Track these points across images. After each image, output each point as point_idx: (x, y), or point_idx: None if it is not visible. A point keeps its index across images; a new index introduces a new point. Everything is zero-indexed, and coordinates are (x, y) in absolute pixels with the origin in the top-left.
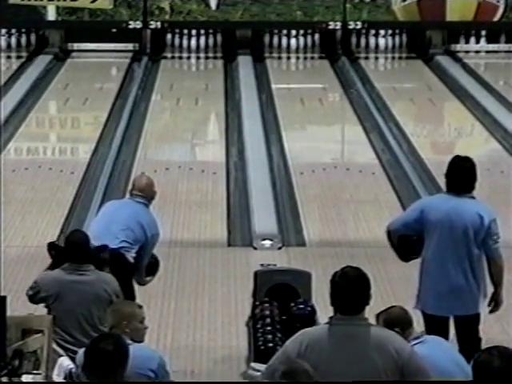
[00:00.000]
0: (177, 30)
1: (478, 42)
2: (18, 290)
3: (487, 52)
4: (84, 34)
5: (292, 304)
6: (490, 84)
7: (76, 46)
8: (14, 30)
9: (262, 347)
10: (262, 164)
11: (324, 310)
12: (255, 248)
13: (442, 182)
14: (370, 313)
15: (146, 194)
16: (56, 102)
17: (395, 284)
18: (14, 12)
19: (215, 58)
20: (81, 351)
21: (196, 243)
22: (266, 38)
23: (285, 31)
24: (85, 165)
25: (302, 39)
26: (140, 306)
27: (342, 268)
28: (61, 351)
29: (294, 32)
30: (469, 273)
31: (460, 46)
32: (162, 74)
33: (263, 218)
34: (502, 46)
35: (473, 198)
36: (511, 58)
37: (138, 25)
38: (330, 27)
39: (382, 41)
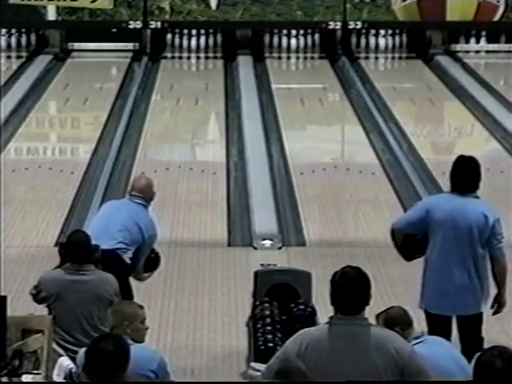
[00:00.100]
0: (177, 30)
1: (478, 42)
2: (18, 290)
3: (487, 52)
4: (84, 34)
5: (292, 305)
6: (490, 84)
7: (76, 45)
8: (14, 30)
9: (262, 347)
10: (262, 164)
11: (324, 310)
12: (255, 248)
13: (442, 182)
14: (370, 313)
15: (145, 195)
16: (56, 102)
17: (395, 284)
18: (13, 12)
19: (215, 57)
20: (81, 351)
21: (196, 243)
22: (266, 38)
23: (285, 31)
24: (85, 165)
25: (302, 39)
26: (141, 307)
27: (342, 268)
28: (61, 351)
29: (294, 32)
30: (473, 272)
31: (460, 46)
32: (162, 74)
33: (263, 218)
34: (502, 46)
35: (477, 197)
36: (511, 58)
37: (138, 25)
38: (330, 27)
39: (382, 41)
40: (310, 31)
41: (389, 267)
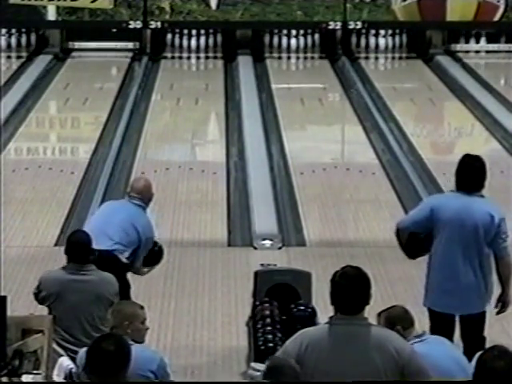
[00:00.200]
0: (177, 30)
1: (477, 42)
2: (18, 290)
3: (487, 52)
4: (84, 34)
5: (292, 305)
6: (490, 84)
7: (77, 44)
8: (14, 30)
9: (262, 347)
10: (262, 164)
11: (324, 310)
12: (255, 248)
13: (442, 182)
14: (370, 313)
15: (144, 196)
16: (56, 102)
17: (395, 284)
18: (13, 12)
19: (215, 57)
20: (82, 351)
21: (196, 243)
22: (266, 38)
23: (285, 31)
24: (85, 165)
25: (302, 39)
26: (141, 307)
27: (342, 267)
28: (61, 351)
29: (294, 32)
30: (478, 271)
31: (460, 46)
32: (162, 73)
33: (263, 218)
34: (502, 46)
35: (482, 196)
36: (511, 58)
37: (138, 25)
38: (330, 27)
39: (382, 41)
40: (310, 31)
41: (389, 267)
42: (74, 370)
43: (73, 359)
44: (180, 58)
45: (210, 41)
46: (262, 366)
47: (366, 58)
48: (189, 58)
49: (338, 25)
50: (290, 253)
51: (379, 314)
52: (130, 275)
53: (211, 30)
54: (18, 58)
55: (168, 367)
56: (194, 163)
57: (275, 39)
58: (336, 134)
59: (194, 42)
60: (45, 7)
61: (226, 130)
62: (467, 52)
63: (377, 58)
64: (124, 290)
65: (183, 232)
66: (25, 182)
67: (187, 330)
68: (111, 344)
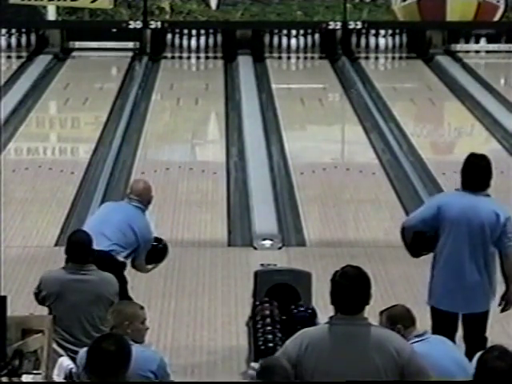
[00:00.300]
0: (177, 30)
1: (477, 41)
2: (18, 290)
3: (487, 52)
4: (84, 34)
5: (293, 307)
6: (490, 84)
7: (77, 44)
8: (14, 30)
9: (262, 347)
10: (262, 164)
11: (324, 310)
12: (255, 248)
13: (442, 182)
14: (370, 313)
15: (143, 199)
16: (56, 102)
17: (395, 284)
18: (13, 12)
19: (215, 58)
20: (82, 351)
21: (196, 243)
22: (266, 38)
23: (285, 31)
24: (85, 165)
25: (302, 39)
26: (142, 307)
27: (343, 267)
28: (61, 351)
29: (294, 32)
30: (483, 270)
31: (460, 46)
32: (162, 73)
33: (263, 218)
34: (502, 46)
35: (488, 195)
36: (511, 58)
37: (138, 25)
38: (330, 27)
39: (382, 41)
40: (310, 31)
41: (389, 267)
42: (74, 370)
43: (73, 359)
44: (180, 57)
45: (210, 41)
46: None
47: (366, 58)
48: (189, 57)
49: (338, 25)
50: (290, 253)
51: (381, 313)
52: (133, 275)
53: (211, 30)
54: (18, 57)
55: (168, 367)
56: (194, 163)
57: (275, 39)
58: (336, 134)
59: (193, 42)
60: (45, 7)
61: (226, 130)
62: (467, 52)
63: (377, 58)
64: (121, 285)
65: (183, 232)
66: (25, 182)
67: (187, 330)
68: (111, 344)
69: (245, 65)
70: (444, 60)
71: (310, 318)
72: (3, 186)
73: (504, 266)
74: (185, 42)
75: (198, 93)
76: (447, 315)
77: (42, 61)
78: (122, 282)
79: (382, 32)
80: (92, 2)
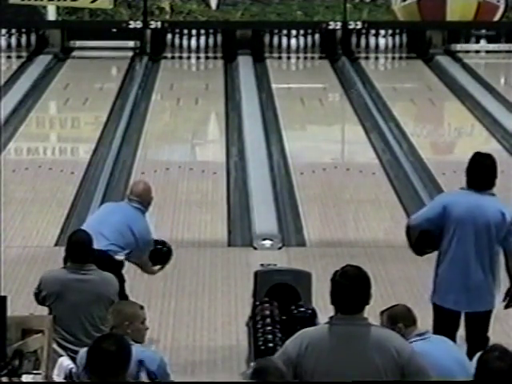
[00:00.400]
0: (177, 30)
1: (477, 42)
2: (18, 290)
3: (487, 52)
4: (84, 33)
5: (293, 307)
6: (490, 84)
7: (78, 43)
8: (14, 30)
9: (262, 347)
10: (262, 164)
11: (324, 311)
12: (255, 248)
13: (441, 182)
14: (370, 313)
15: (143, 200)
16: (56, 102)
17: (395, 284)
18: (13, 12)
19: (215, 58)
20: (82, 351)
21: (196, 243)
22: (266, 38)
23: (285, 31)
24: (85, 165)
25: (302, 39)
26: (142, 307)
27: (343, 267)
28: (61, 351)
29: (294, 32)
30: (488, 269)
31: (460, 46)
32: (162, 73)
33: (263, 218)
34: (502, 46)
35: (493, 194)
36: (511, 58)
37: (138, 25)
38: (330, 27)
39: (382, 41)
40: (310, 31)
41: (389, 267)
42: (74, 370)
43: (73, 359)
44: (180, 57)
45: (210, 41)
46: None
47: (366, 57)
48: (189, 57)
49: (338, 25)
50: (290, 253)
51: (382, 313)
52: (133, 275)
53: (211, 30)
54: (18, 57)
55: (168, 367)
56: (194, 163)
57: (275, 39)
58: (336, 134)
59: (194, 41)
60: (45, 7)
61: (225, 130)
62: (467, 52)
63: (377, 58)
64: (119, 284)
65: (183, 232)
66: (25, 182)
67: (187, 330)
68: (112, 344)
69: (245, 65)
70: (444, 60)
71: (310, 319)
72: (3, 186)
73: (509, 264)
74: (185, 42)
75: (198, 93)
76: (450, 313)
77: (42, 61)
78: (120, 281)
79: (382, 32)
80: (92, 1)
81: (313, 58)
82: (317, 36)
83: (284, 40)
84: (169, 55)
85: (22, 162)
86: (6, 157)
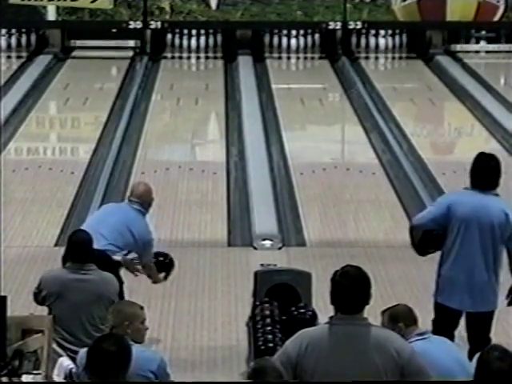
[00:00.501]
0: (177, 30)
1: (478, 41)
2: (18, 290)
3: (487, 52)
4: (85, 33)
5: (293, 308)
6: (490, 84)
7: (78, 42)
8: (14, 30)
9: (262, 347)
10: (262, 164)
11: (324, 311)
12: (255, 248)
13: (441, 182)
14: (370, 313)
15: (143, 201)
16: (56, 101)
17: (395, 284)
18: (14, 12)
19: (215, 58)
20: (82, 351)
21: (196, 243)
22: (266, 38)
23: (285, 31)
24: (85, 165)
25: (302, 39)
26: (141, 307)
27: (343, 267)
28: (61, 351)
29: (294, 32)
30: (492, 269)
31: (460, 46)
32: (162, 73)
33: (263, 218)
34: (502, 46)
35: (497, 195)
36: (511, 58)
37: (138, 25)
38: (330, 27)
39: (382, 41)
40: (310, 31)
41: (389, 267)
42: (74, 370)
43: (73, 359)
44: (180, 57)
45: (210, 41)
46: None
47: (366, 57)
48: (189, 58)
49: (338, 25)
50: (290, 253)
51: (383, 312)
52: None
53: (211, 30)
54: (18, 57)
55: (168, 367)
56: (194, 163)
57: (275, 39)
58: (336, 134)
59: (194, 41)
60: (45, 7)
61: (226, 130)
62: (467, 52)
63: (377, 58)
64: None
65: (183, 232)
66: (25, 182)
67: (187, 330)
68: (112, 344)
69: (245, 65)
70: (444, 60)
71: (310, 320)
72: (3, 186)
73: None
74: (185, 42)
75: (198, 93)
76: (453, 313)
77: (42, 61)
78: (119, 282)
79: (382, 32)
80: (92, 2)
81: (313, 58)
82: (317, 36)
83: (284, 40)
84: (169, 55)
85: (22, 162)
86: (6, 157)
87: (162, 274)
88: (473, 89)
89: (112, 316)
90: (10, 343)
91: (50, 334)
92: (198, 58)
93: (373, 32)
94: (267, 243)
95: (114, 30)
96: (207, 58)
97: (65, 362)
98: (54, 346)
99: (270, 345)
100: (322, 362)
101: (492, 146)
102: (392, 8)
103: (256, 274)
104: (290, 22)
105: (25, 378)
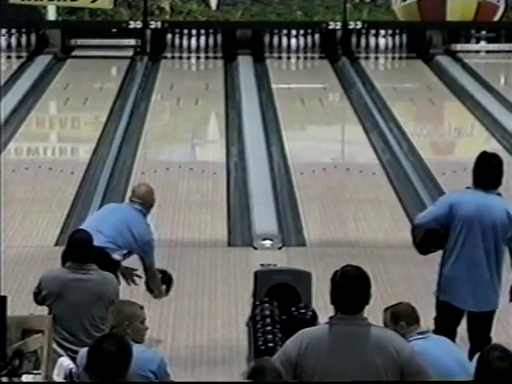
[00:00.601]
0: (177, 30)
1: (478, 41)
2: (18, 290)
3: (487, 52)
4: (85, 32)
5: (293, 309)
6: (490, 84)
7: (79, 41)
8: (14, 30)
9: (262, 347)
10: (262, 164)
11: (324, 311)
12: (255, 248)
13: (441, 182)
14: (370, 313)
15: (145, 202)
16: (56, 101)
17: (395, 284)
18: (13, 12)
19: (215, 58)
20: (82, 351)
21: (196, 243)
22: (266, 38)
23: (285, 31)
24: (85, 165)
25: (302, 39)
26: (141, 307)
27: (343, 267)
28: (61, 351)
29: (294, 32)
30: (494, 268)
31: (460, 46)
32: (162, 73)
33: (263, 218)
34: (502, 46)
35: (499, 194)
36: (511, 58)
37: (138, 25)
38: (330, 27)
39: (382, 41)
40: (310, 31)
41: (389, 267)
42: (74, 370)
43: (73, 359)
44: (180, 58)
45: (210, 41)
46: None
47: (366, 58)
48: (189, 58)
49: (338, 25)
50: (290, 253)
51: (386, 310)
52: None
53: (211, 30)
54: (18, 57)
55: (168, 367)
56: (194, 163)
57: (275, 39)
58: (336, 134)
59: (194, 41)
60: (45, 7)
61: (225, 130)
62: (467, 52)
63: (377, 58)
64: None
65: (183, 232)
66: (25, 182)
67: (187, 330)
68: (112, 344)
69: (245, 65)
70: (444, 60)
71: (311, 321)
72: (3, 186)
73: None
74: (185, 42)
75: (198, 93)
76: (456, 311)
77: (42, 61)
78: None
79: (382, 32)
80: (92, 1)
81: (313, 57)
82: (317, 36)
83: (284, 40)
84: (169, 55)
85: (22, 162)
86: (6, 157)
87: (164, 287)
88: (473, 89)
89: (112, 316)
90: (10, 343)
91: (50, 333)
92: (198, 58)
93: (373, 32)
94: (267, 243)
95: (114, 30)
96: (207, 58)
97: (65, 361)
98: (54, 345)
99: (270, 345)
100: (322, 361)
101: (492, 146)
102: (392, 8)
103: (256, 273)
104: (289, 22)
105: (25, 378)
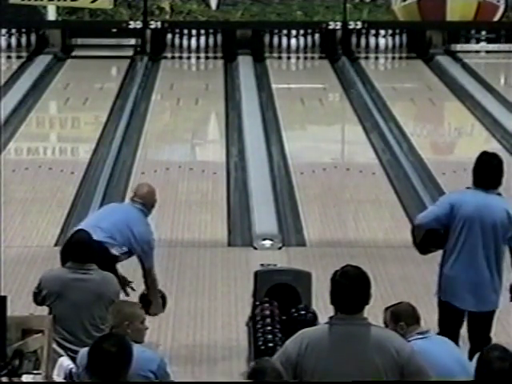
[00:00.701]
0: (177, 30)
1: (478, 41)
2: (18, 290)
3: (487, 52)
4: (85, 33)
5: (293, 310)
6: (490, 84)
7: (79, 41)
8: (14, 30)
9: (262, 347)
10: (262, 164)
11: (324, 311)
12: (255, 248)
13: (442, 182)
14: (370, 313)
15: (146, 202)
16: (56, 101)
17: (395, 284)
18: (13, 12)
19: (215, 58)
20: (82, 351)
21: (196, 243)
22: (266, 38)
23: (285, 31)
24: (85, 165)
25: (302, 39)
26: (141, 307)
27: (343, 267)
28: (61, 351)
29: (294, 32)
30: (494, 268)
31: (460, 46)
32: (162, 73)
33: (263, 218)
34: (502, 46)
35: (499, 194)
36: (511, 58)
37: (138, 25)
38: (330, 27)
39: (382, 41)
40: (310, 31)
41: (389, 267)
42: (74, 370)
43: (73, 359)
44: (180, 57)
45: (210, 41)
46: None
47: (366, 58)
48: (189, 58)
49: (338, 25)
50: (290, 253)
51: (386, 309)
52: (133, 275)
53: (211, 30)
54: (18, 57)
55: (168, 367)
56: (194, 163)
57: (275, 39)
58: (336, 134)
59: (194, 41)
60: (45, 7)
61: (225, 130)
62: (467, 52)
63: (377, 58)
64: None
65: (183, 232)
66: (25, 182)
67: (187, 330)
68: (113, 345)
69: (245, 65)
70: (444, 60)
71: (311, 322)
72: (3, 186)
73: None
74: (185, 42)
75: (198, 93)
76: (457, 311)
77: (42, 61)
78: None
79: (382, 32)
80: (92, 1)
81: (313, 57)
82: (317, 36)
83: (284, 40)
84: (169, 55)
85: (22, 162)
86: (6, 157)
87: (160, 301)
88: (473, 89)
89: (112, 316)
90: (10, 343)
91: (50, 333)
92: (198, 58)
93: (373, 32)
94: (267, 243)
95: (114, 30)
96: (207, 58)
97: (65, 361)
98: (54, 345)
99: (270, 345)
100: (322, 361)
101: (492, 146)
102: (392, 8)
103: (256, 273)
104: (289, 22)
105: (25, 378)
